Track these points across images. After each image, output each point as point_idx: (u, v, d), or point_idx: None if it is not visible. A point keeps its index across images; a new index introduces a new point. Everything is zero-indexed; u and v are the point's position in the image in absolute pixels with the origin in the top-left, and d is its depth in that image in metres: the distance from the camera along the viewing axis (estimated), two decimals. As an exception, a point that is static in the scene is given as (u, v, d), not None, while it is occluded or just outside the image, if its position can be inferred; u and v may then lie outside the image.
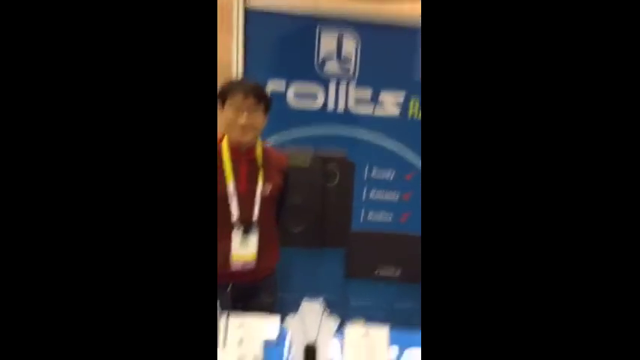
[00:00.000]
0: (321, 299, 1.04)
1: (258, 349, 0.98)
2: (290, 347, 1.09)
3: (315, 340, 0.96)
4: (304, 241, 1.79)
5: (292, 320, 1.00)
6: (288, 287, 1.73)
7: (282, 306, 1.20)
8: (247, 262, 1.26)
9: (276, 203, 1.37)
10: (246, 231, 1.25)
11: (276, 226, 1.41)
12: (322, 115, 1.69)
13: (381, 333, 0.98)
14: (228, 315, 0.99)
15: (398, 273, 1.82)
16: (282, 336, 1.15)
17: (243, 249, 1.25)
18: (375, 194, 1.77)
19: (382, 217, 1.79)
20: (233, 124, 1.23)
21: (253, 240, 1.25)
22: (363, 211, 1.79)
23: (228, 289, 1.29)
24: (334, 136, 1.71)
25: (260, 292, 1.36)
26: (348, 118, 1.69)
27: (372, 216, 1.79)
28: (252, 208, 1.27)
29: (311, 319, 0.99)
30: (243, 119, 1.21)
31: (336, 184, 1.77)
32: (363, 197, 1.78)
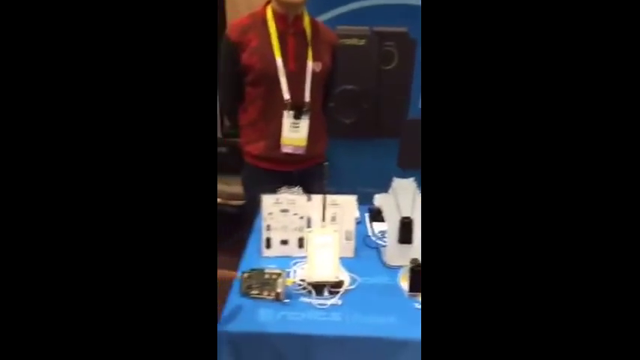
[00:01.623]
0: (412, 178, 0.99)
1: (350, 225, 0.97)
2: (372, 223, 1.08)
3: (410, 215, 0.93)
4: (356, 132, 1.70)
5: (384, 197, 0.96)
6: (338, 180, 1.70)
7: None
8: (297, 146, 1.17)
9: (324, 86, 1.24)
10: (298, 115, 1.15)
11: (323, 110, 1.30)
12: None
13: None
14: (325, 195, 0.95)
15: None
16: (361, 215, 1.15)
17: (294, 132, 1.16)
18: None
19: (443, 102, 1.66)
20: None
21: (304, 124, 1.15)
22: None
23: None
24: (395, 5, 1.48)
25: (311, 180, 1.25)
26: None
27: (431, 101, 1.66)
28: (303, 89, 1.15)
29: (404, 195, 0.95)
30: None
31: (394, 66, 1.60)
32: (424, 80, 1.63)
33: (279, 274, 0.82)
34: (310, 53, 1.16)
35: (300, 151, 1.19)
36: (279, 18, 1.13)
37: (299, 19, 1.14)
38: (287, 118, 1.15)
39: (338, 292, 0.84)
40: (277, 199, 0.96)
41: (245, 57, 1.13)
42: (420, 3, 1.48)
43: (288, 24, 1.13)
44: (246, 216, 1.40)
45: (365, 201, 1.12)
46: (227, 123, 2.04)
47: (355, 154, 1.76)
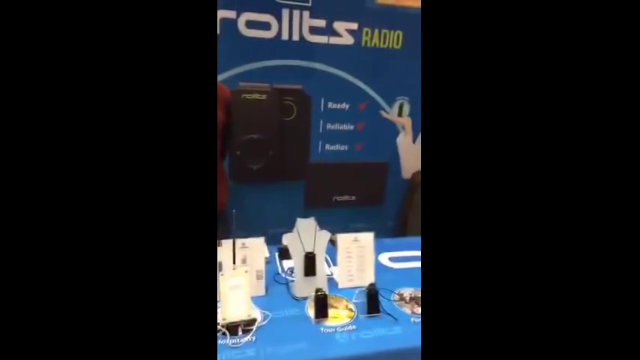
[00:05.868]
0: (312, 218, 1.12)
1: (260, 265, 1.05)
2: (282, 260, 1.17)
3: (313, 250, 1.06)
4: (264, 177, 1.82)
5: (290, 236, 1.08)
6: (249, 224, 1.77)
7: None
8: None
9: (221, 138, 1.35)
10: None
11: (222, 160, 1.40)
12: (277, 44, 1.65)
13: (367, 238, 1.12)
14: (234, 239, 1.02)
15: (353, 198, 1.99)
16: (272, 254, 1.24)
17: None
18: (332, 126, 1.85)
19: (338, 147, 1.89)
20: None
21: None
22: (320, 142, 1.87)
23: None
24: (290, 67, 1.70)
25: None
26: (303, 47, 1.68)
27: (328, 147, 1.88)
28: None
29: (306, 233, 1.08)
30: None
31: (293, 117, 1.79)
32: (320, 129, 1.85)
33: (192, 320, 0.85)
34: None
35: None
36: None
37: None
38: None
39: (251, 330, 0.90)
40: (188, 248, 0.99)
41: None
42: (311, 65, 1.73)
43: None
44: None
45: (276, 241, 1.22)
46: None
47: (263, 197, 1.86)
